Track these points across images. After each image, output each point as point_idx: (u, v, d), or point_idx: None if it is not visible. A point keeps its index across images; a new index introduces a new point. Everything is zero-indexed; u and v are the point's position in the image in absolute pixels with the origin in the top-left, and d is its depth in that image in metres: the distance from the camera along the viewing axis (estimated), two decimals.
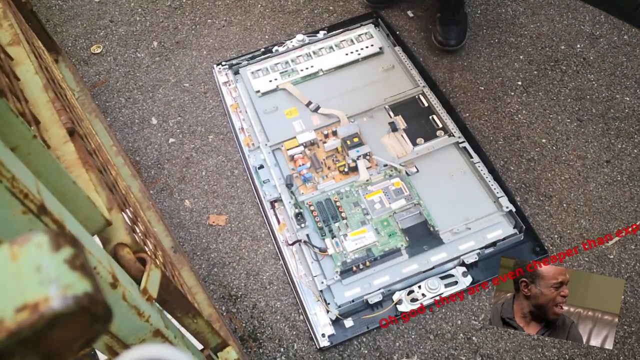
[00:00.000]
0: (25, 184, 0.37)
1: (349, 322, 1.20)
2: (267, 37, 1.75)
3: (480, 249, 1.25)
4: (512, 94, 1.55)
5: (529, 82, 1.57)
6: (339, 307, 1.20)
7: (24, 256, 0.26)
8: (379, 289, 1.21)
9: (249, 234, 1.37)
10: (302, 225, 1.30)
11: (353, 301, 1.20)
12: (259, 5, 1.84)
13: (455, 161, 1.39)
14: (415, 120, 1.46)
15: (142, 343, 0.55)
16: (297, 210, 1.32)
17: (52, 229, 0.37)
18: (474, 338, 1.19)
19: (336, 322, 1.20)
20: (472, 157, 1.37)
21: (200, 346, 0.82)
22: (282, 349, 1.21)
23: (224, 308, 1.27)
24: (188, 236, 1.38)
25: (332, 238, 1.28)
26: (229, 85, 1.61)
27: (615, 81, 1.55)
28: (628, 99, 1.51)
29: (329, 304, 1.21)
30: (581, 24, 1.68)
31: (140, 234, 0.78)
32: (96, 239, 0.54)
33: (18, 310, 0.24)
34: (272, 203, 1.37)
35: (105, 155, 1.16)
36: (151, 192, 1.44)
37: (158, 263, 0.69)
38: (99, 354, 0.91)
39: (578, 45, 1.64)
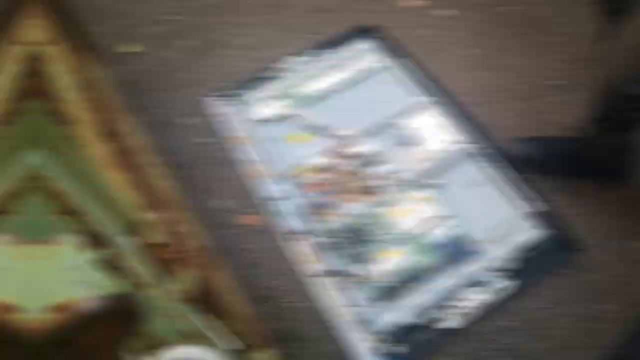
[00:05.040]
0: (59, 185, 0.37)
1: (399, 349, 1.14)
2: (304, 36, 1.74)
3: (514, 252, 1.22)
4: (546, 94, 1.52)
5: (564, 82, 1.54)
6: (384, 335, 1.14)
7: (57, 256, 0.25)
8: (422, 309, 1.17)
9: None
10: (332, 254, 1.25)
11: (398, 326, 1.15)
12: (297, 5, 1.84)
13: (480, 169, 1.36)
14: (433, 132, 1.43)
15: (179, 344, 0.55)
16: (323, 239, 1.27)
17: (86, 230, 0.36)
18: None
19: (384, 351, 1.14)
20: (498, 163, 1.34)
21: (236, 347, 0.82)
22: (317, 350, 1.20)
23: (259, 309, 1.27)
24: (224, 236, 1.38)
25: (366, 263, 1.23)
26: (229, 116, 1.54)
27: None
28: None
29: (372, 333, 1.15)
30: None
31: (176, 234, 0.78)
32: (132, 239, 0.54)
33: (51, 310, 0.24)
34: (295, 235, 1.32)
35: (140, 154, 1.17)
36: (187, 191, 1.45)
37: (194, 263, 0.69)
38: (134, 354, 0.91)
39: None
